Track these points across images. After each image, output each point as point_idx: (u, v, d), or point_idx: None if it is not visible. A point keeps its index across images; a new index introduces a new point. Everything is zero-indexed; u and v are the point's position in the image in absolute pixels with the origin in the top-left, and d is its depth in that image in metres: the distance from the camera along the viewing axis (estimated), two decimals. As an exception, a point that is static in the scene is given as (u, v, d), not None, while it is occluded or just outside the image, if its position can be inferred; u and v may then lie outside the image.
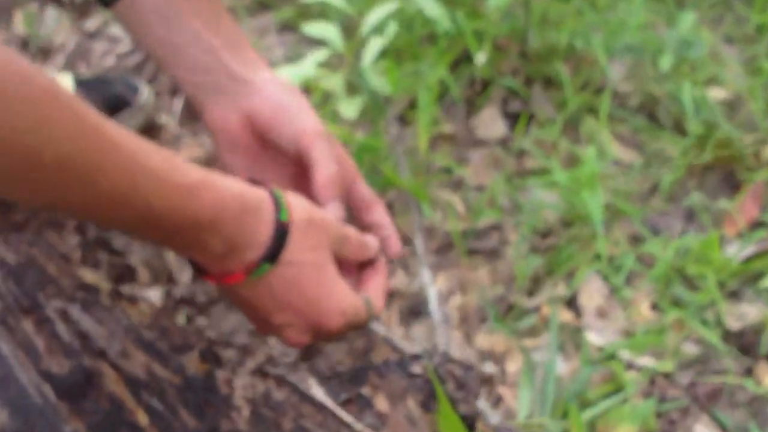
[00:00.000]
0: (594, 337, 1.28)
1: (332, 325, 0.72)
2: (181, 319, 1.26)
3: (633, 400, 1.19)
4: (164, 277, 1.32)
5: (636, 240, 1.40)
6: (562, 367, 1.24)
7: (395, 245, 0.81)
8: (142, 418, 0.81)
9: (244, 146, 0.79)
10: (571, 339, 1.28)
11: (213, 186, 0.63)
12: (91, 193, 0.56)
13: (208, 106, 0.79)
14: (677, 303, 1.31)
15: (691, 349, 1.27)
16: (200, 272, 0.71)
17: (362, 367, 0.83)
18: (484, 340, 1.27)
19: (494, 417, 1.16)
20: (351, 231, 0.75)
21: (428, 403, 0.80)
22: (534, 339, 1.28)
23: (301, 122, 0.76)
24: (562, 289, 1.33)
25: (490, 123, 1.61)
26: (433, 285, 1.29)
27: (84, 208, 0.59)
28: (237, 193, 0.65)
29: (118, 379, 0.84)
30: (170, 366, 0.86)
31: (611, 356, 1.26)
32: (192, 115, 1.58)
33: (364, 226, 0.81)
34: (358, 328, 0.75)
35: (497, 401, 1.21)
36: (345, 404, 0.81)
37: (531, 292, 1.34)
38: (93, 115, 0.55)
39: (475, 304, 1.31)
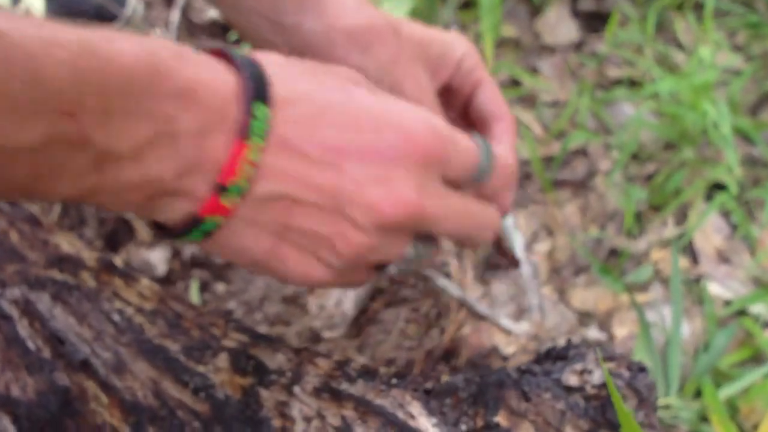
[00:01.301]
0: (717, 289, 1.03)
1: (421, 140, 0.50)
2: (194, 292, 1.00)
3: (778, 371, 0.94)
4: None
5: (755, 164, 1.13)
6: (682, 330, 0.99)
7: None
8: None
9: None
10: (688, 292, 1.02)
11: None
12: None
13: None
14: (816, 242, 1.05)
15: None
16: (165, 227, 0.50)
17: (486, 377, 0.57)
18: (582, 296, 1.01)
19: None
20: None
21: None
22: (641, 294, 1.02)
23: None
24: (671, 229, 1.07)
25: (559, 24, 1.33)
26: (515, 227, 1.02)
27: None
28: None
29: (111, 404, 0.58)
30: (188, 382, 0.60)
31: (741, 313, 1.01)
32: (192, 30, 1.28)
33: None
34: (466, 169, 0.55)
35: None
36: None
37: (632, 234, 1.08)
38: None
39: (567, 250, 1.05)
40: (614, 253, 1.05)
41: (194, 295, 1.00)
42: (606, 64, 1.26)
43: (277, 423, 0.57)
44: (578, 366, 0.56)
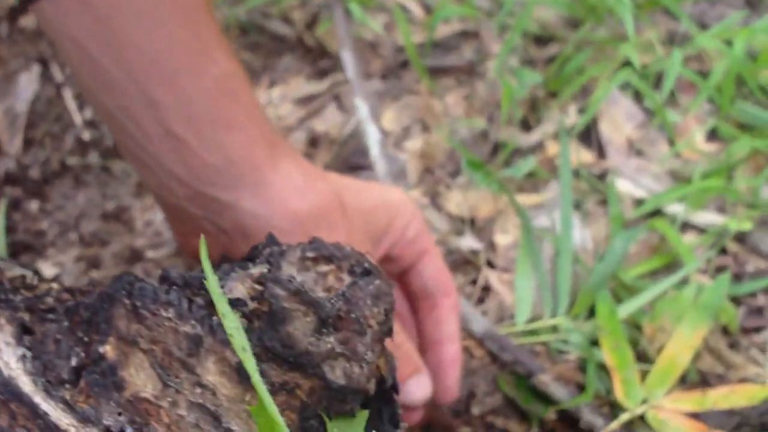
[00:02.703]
0: (627, 186, 0.84)
1: None
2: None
3: (695, 281, 0.75)
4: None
5: (674, 41, 0.94)
6: (581, 236, 0.80)
7: (453, 390, 0.63)
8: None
9: None
10: (592, 192, 0.83)
11: None
12: None
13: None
14: (747, 127, 0.86)
15: (773, 196, 0.83)
16: None
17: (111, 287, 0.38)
18: (458, 200, 0.82)
19: (478, 320, 0.73)
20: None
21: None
22: (534, 195, 0.83)
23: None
24: (573, 117, 0.88)
25: None
26: (372, 122, 0.83)
27: None
28: None
29: None
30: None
31: (655, 214, 0.82)
32: None
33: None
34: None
35: (483, 294, 0.77)
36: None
37: (527, 126, 0.89)
38: None
39: (444, 148, 0.86)
40: (499, 148, 0.86)
41: None
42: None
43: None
44: (257, 270, 0.38)
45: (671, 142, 0.87)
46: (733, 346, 0.75)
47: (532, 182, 0.84)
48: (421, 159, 0.85)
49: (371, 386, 0.38)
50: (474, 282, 0.77)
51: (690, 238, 0.80)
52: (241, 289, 0.37)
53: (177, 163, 0.50)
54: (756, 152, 0.84)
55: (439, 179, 0.84)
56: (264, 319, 0.36)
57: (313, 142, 0.88)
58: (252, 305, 0.37)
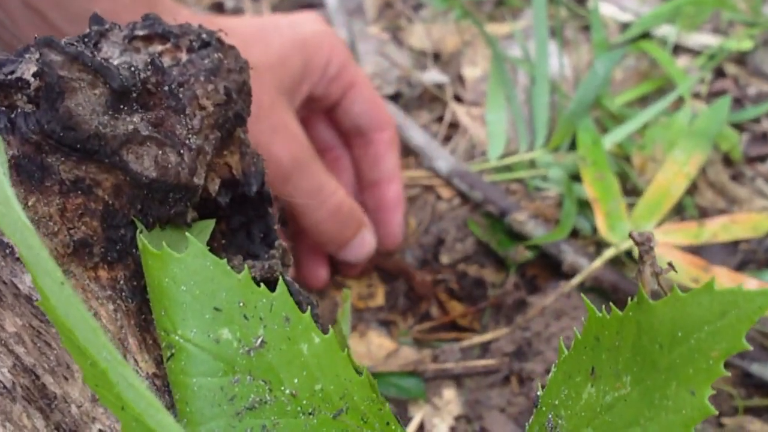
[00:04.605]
0: (611, 10, 0.75)
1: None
2: None
3: (690, 106, 0.67)
4: None
5: None
6: (560, 65, 0.71)
7: (395, 235, 0.59)
8: None
9: None
10: (572, 18, 0.74)
11: None
12: None
13: None
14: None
15: (777, 13, 0.73)
16: None
17: None
18: (420, 34, 0.73)
19: (445, 157, 0.64)
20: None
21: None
22: (505, 25, 0.74)
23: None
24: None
25: None
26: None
27: None
28: None
29: None
30: None
31: (643, 38, 0.73)
32: None
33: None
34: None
35: (450, 132, 0.69)
36: None
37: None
38: None
39: (404, -23, 0.76)
40: (467, -28, 0.77)
41: None
42: None
43: None
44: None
45: (661, -40, 0.77)
46: (737, 177, 0.67)
47: (504, 10, 0.74)
48: (380, -9, 0.76)
49: (197, 181, 0.28)
50: (440, 119, 0.69)
51: (683, 62, 0.71)
52: (30, 69, 0.28)
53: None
54: (756, -36, 0.74)
55: (400, 12, 0.75)
56: (43, 97, 0.27)
57: (259, -20, 0.78)
58: (35, 84, 0.28)
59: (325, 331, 0.28)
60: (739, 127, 0.69)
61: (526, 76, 0.68)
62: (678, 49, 0.72)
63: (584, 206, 0.62)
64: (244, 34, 0.50)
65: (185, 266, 0.26)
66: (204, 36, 0.30)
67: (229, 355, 0.26)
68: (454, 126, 0.68)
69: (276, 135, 0.50)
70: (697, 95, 0.69)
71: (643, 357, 0.24)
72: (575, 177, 0.63)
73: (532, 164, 0.65)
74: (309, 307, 0.35)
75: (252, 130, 0.51)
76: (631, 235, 0.24)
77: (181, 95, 0.28)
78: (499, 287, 0.60)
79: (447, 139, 0.68)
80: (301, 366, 0.26)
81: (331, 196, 0.53)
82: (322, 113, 0.57)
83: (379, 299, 0.60)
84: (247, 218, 0.33)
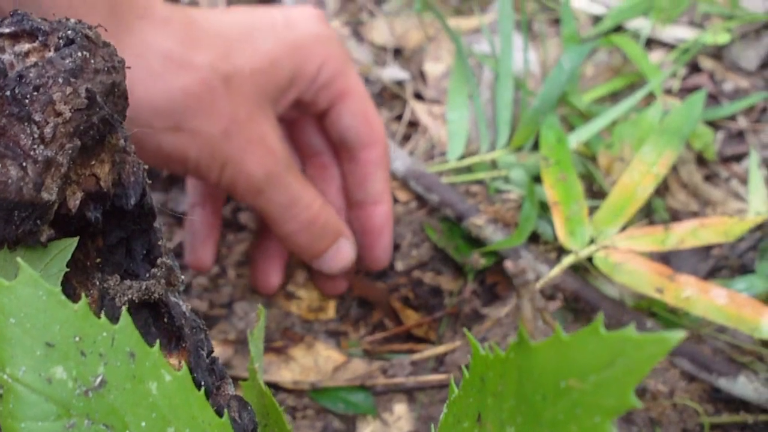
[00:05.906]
0: (582, 2, 0.71)
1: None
2: None
3: (659, 103, 0.63)
4: None
5: None
6: (525, 61, 0.68)
7: (381, 260, 0.56)
8: None
9: None
10: (541, 11, 0.71)
11: None
12: None
13: None
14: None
15: (757, 4, 0.70)
16: None
17: None
18: (382, 29, 0.70)
19: (402, 158, 0.61)
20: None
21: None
22: (472, 19, 0.71)
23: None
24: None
25: None
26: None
27: None
28: None
29: None
30: None
31: (616, 30, 0.70)
32: None
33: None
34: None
35: (409, 131, 0.66)
36: None
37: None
38: None
39: (367, -32, 0.73)
40: (432, -37, 0.73)
41: None
42: None
43: None
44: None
45: (636, -51, 0.73)
46: (711, 178, 0.64)
47: (472, 3, 0.71)
48: (341, -16, 0.73)
49: (46, 197, 0.25)
50: (400, 117, 0.66)
51: (657, 56, 0.68)
52: None
53: None
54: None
55: (362, 6, 0.72)
56: None
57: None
58: None
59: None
60: (713, 124, 0.65)
61: (492, 73, 0.65)
62: (652, 43, 0.69)
63: (547, 209, 0.59)
64: (232, 34, 0.48)
65: (14, 296, 0.23)
66: (70, 33, 0.27)
67: (63, 397, 0.23)
68: (413, 125, 0.65)
69: (249, 149, 0.47)
70: (669, 91, 0.66)
71: (527, 407, 0.21)
72: (539, 178, 0.60)
73: (493, 165, 0.62)
74: (203, 333, 0.32)
75: (225, 145, 0.48)
76: (504, 266, 0.21)
77: (27, 100, 0.25)
78: (457, 295, 0.57)
79: (406, 138, 0.65)
80: (150, 407, 0.23)
81: (306, 210, 0.50)
82: (313, 117, 0.54)
83: (330, 312, 0.57)
84: (126, 233, 0.30)
